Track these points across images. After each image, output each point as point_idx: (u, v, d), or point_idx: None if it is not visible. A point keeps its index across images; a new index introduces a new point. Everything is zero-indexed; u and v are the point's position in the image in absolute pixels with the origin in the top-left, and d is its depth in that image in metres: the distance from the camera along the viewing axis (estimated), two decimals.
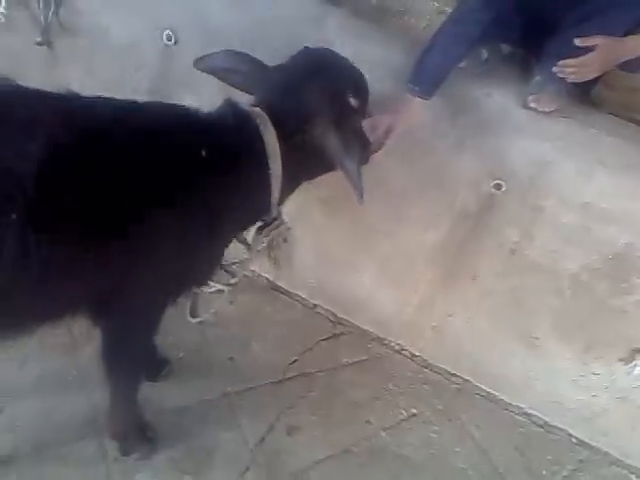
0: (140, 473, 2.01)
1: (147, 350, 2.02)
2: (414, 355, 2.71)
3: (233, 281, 2.59)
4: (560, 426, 2.56)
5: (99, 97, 1.50)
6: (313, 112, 1.66)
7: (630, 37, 1.78)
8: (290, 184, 1.80)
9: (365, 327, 2.74)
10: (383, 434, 2.38)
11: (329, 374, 2.53)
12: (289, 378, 2.46)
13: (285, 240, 2.03)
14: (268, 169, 1.66)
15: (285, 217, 1.98)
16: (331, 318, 2.77)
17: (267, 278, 2.82)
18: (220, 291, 2.55)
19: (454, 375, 2.67)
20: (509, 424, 2.56)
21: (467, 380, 2.66)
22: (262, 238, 1.94)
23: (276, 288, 2.81)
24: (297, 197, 2.41)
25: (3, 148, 1.25)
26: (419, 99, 1.98)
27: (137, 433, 2.03)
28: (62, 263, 1.39)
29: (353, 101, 1.75)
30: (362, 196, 1.69)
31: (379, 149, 2.02)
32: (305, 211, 2.55)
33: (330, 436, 2.31)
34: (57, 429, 2.05)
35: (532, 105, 1.99)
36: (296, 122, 1.67)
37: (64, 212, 1.34)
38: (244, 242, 2.02)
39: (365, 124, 1.86)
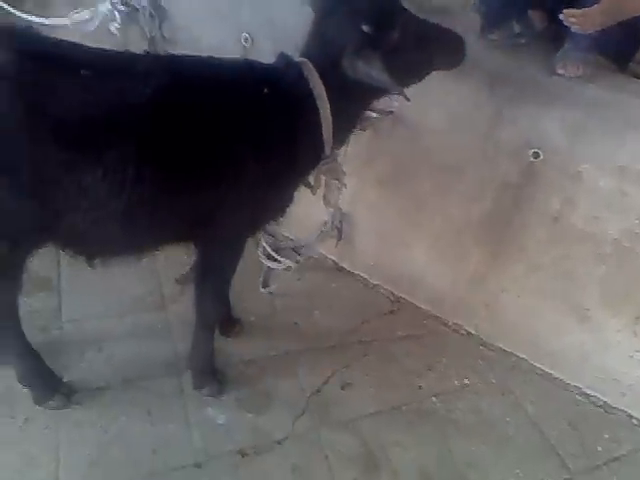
0: (210, 407, 2.32)
1: (230, 278, 2.26)
2: (470, 333, 2.82)
3: (300, 259, 2.92)
4: (620, 407, 2.54)
5: (189, 55, 1.91)
6: (337, 50, 1.81)
7: None
8: (341, 122, 1.98)
9: (421, 305, 2.91)
10: (433, 399, 2.52)
11: (384, 344, 2.72)
12: (347, 344, 2.69)
13: (339, 180, 2.19)
14: (318, 110, 1.90)
15: (340, 159, 2.18)
16: (390, 297, 2.96)
17: (333, 260, 3.09)
18: (289, 268, 2.89)
19: (509, 353, 2.75)
20: (565, 402, 2.59)
21: (522, 358, 2.72)
22: (318, 174, 2.14)
23: (340, 269, 3.07)
24: (353, 181, 2.73)
25: (127, 97, 1.66)
26: None
27: (209, 370, 2.36)
28: (168, 191, 1.77)
29: (367, 28, 1.80)
30: (406, 96, 1.82)
31: None
32: (361, 194, 2.82)
33: (381, 395, 2.49)
34: (145, 367, 2.42)
35: (560, 71, 2.14)
36: (330, 62, 1.85)
37: (169, 148, 1.72)
38: (308, 185, 2.22)
39: None
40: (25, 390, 2.20)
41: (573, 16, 1.97)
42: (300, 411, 2.36)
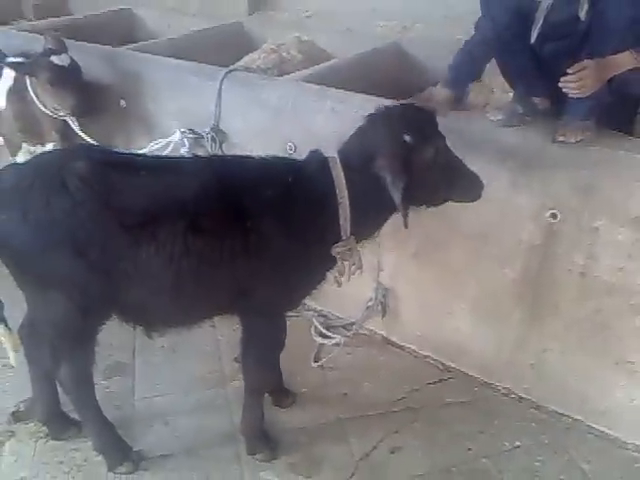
0: (264, 472, 2.46)
1: (273, 349, 2.50)
2: (521, 397, 2.82)
3: (350, 335, 3.12)
4: None
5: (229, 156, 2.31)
6: (372, 152, 2.12)
7: (612, 57, 2.18)
8: (365, 216, 2.23)
9: (470, 372, 2.96)
10: (484, 460, 2.52)
11: (434, 410, 2.78)
12: (396, 411, 2.77)
13: (355, 265, 2.36)
14: (337, 199, 2.18)
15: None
16: (439, 366, 3.04)
17: (381, 334, 3.25)
18: (338, 344, 3.09)
19: (562, 415, 2.71)
20: (624, 460, 2.51)
21: (576, 419, 2.68)
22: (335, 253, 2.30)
23: (389, 342, 3.20)
24: (392, 257, 2.97)
25: (178, 190, 2.08)
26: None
27: (260, 436, 2.53)
28: (210, 268, 2.10)
29: (408, 138, 2.07)
30: (406, 223, 2.11)
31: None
32: (401, 269, 3.04)
33: (431, 457, 2.53)
34: (205, 438, 2.63)
35: (560, 139, 2.36)
36: (359, 162, 2.16)
37: (211, 231, 2.08)
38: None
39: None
40: (100, 458, 2.45)
41: (571, 82, 2.23)
42: (350, 474, 2.44)
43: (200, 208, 2.08)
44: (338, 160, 2.22)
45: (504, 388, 2.88)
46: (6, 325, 2.26)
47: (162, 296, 2.13)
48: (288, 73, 3.86)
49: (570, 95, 2.29)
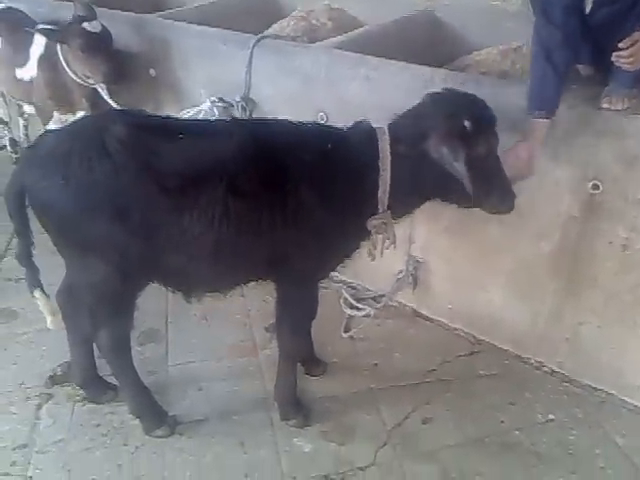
0: (297, 438, 2.49)
1: (306, 316, 2.50)
2: (554, 371, 2.80)
3: (379, 306, 3.11)
4: None
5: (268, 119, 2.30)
6: (428, 129, 2.08)
7: None
8: (402, 192, 2.20)
9: (502, 345, 2.94)
10: (517, 432, 2.52)
11: (465, 382, 2.77)
12: (427, 382, 2.77)
13: (389, 239, 2.35)
14: (379, 170, 2.16)
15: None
16: (470, 339, 3.03)
17: (411, 307, 3.23)
18: (368, 315, 3.09)
19: (597, 389, 2.69)
20: None
21: (610, 393, 2.65)
22: (370, 226, 2.28)
23: (419, 315, 3.19)
24: (423, 231, 2.94)
25: (216, 153, 2.07)
26: (544, 121, 2.31)
27: (294, 403, 2.56)
28: (248, 232, 2.09)
29: (468, 124, 2.04)
30: (472, 194, 2.04)
31: (529, 176, 2.35)
32: (433, 243, 3.00)
33: (462, 428, 2.53)
34: (238, 404, 2.66)
35: (605, 106, 2.28)
36: (412, 137, 2.12)
37: (249, 195, 2.06)
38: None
39: (505, 157, 2.23)
40: (136, 422, 2.50)
41: (623, 57, 2.14)
42: (382, 442, 2.46)
43: (239, 172, 2.06)
44: (387, 132, 2.18)
45: (536, 361, 2.85)
46: (42, 290, 2.29)
47: (201, 260, 2.14)
48: (317, 40, 3.79)
49: (623, 69, 2.20)
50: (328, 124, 2.33)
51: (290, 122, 2.26)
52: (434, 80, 2.79)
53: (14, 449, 2.40)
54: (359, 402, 2.65)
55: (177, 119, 2.51)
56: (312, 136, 2.24)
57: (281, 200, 2.10)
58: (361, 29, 3.83)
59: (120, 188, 1.98)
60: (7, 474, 2.30)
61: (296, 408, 2.55)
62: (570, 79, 2.52)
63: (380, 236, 2.30)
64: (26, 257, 2.23)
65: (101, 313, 2.26)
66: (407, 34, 3.84)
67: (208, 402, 2.66)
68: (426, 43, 3.88)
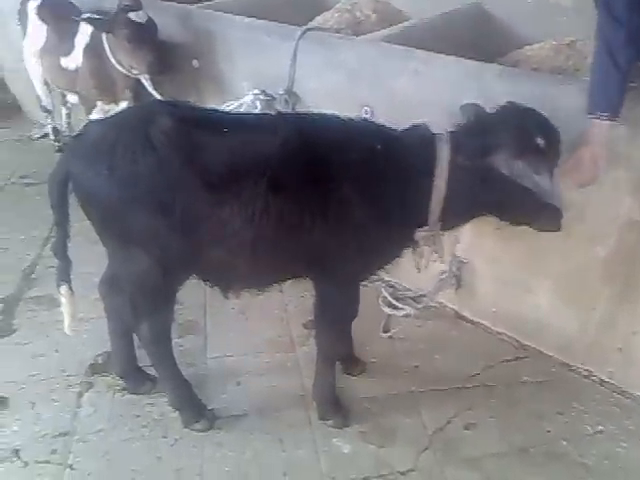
0: (336, 438, 2.45)
1: (346, 317, 2.45)
2: (603, 381, 2.70)
3: (419, 306, 3.04)
4: None
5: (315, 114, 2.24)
6: (498, 144, 2.00)
7: None
8: (456, 205, 2.13)
9: (548, 352, 2.84)
10: (564, 443, 2.43)
11: (510, 388, 2.69)
12: (470, 387, 2.70)
13: (436, 252, 2.32)
14: (433, 180, 2.09)
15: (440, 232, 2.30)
16: (514, 344, 2.93)
17: (453, 308, 3.15)
18: (407, 315, 3.02)
19: None
20: None
21: None
22: (418, 237, 2.26)
23: (461, 317, 3.11)
24: (469, 231, 2.85)
25: (260, 148, 2.02)
26: (608, 122, 2.18)
27: (332, 403, 2.52)
28: (288, 229, 2.05)
29: (541, 142, 1.99)
30: (560, 219, 2.03)
31: (594, 181, 2.25)
32: (478, 243, 2.91)
33: (507, 436, 2.46)
34: (277, 400, 2.63)
35: None
36: (476, 150, 2.03)
37: (291, 192, 2.02)
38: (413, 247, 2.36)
39: (568, 163, 2.17)
40: (175, 414, 2.49)
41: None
42: (423, 447, 2.40)
43: (282, 167, 2.02)
44: (449, 140, 2.10)
45: (585, 370, 2.75)
46: (69, 287, 2.23)
47: (240, 256, 2.10)
48: (362, 33, 3.72)
49: None
50: (379, 122, 2.24)
51: (338, 117, 2.20)
52: (486, 75, 2.70)
53: (55, 437, 2.42)
54: (399, 404, 2.60)
55: (222, 112, 2.49)
56: (361, 134, 2.17)
57: (323, 198, 2.05)
58: (408, 22, 3.75)
59: (163, 181, 1.96)
60: (47, 462, 2.32)
61: (335, 408, 2.51)
62: (631, 76, 2.41)
63: (428, 248, 2.25)
64: (61, 249, 2.21)
65: (142, 305, 2.24)
66: (455, 27, 3.74)
67: (246, 397, 2.64)
68: (474, 37, 3.77)
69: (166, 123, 1.99)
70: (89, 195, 2.06)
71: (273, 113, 2.24)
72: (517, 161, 1.98)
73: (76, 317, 2.32)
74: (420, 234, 2.20)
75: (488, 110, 2.17)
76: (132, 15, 3.40)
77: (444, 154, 2.07)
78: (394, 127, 2.24)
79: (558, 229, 2.15)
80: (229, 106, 3.47)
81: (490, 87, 2.65)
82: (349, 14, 4.08)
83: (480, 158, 2.02)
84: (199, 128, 2.03)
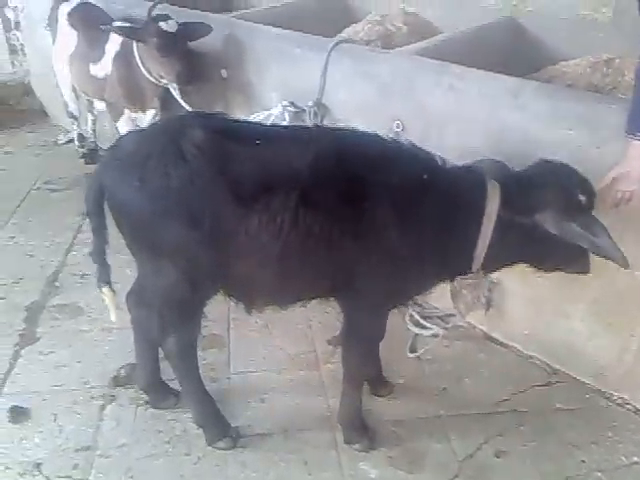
0: (362, 462, 2.38)
1: (374, 341, 2.39)
2: (638, 410, 2.60)
3: (448, 326, 2.98)
4: None
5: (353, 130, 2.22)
6: (546, 203, 1.99)
7: None
8: (496, 253, 2.09)
9: (582, 378, 2.75)
10: (598, 474, 2.34)
11: (542, 415, 2.60)
12: (500, 412, 2.62)
13: (477, 298, 2.30)
14: (480, 227, 2.04)
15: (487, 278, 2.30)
16: (546, 369, 2.84)
17: (482, 330, 3.07)
18: (436, 335, 2.95)
19: None
20: None
21: None
22: (458, 286, 2.25)
23: (491, 339, 3.03)
24: None
25: (293, 159, 1.98)
26: None
27: (358, 426, 2.45)
28: (317, 248, 1.99)
29: (582, 198, 2.01)
30: (627, 263, 1.97)
31: (630, 201, 2.21)
32: None
33: (540, 466, 2.37)
34: (301, 420, 2.57)
35: None
36: (525, 206, 2.01)
37: (322, 208, 1.97)
38: (452, 289, 2.32)
39: (612, 179, 2.15)
40: (199, 431, 2.44)
41: None
42: (453, 474, 2.33)
43: (317, 183, 1.96)
44: (500, 191, 2.05)
45: (620, 398, 2.66)
46: (110, 287, 2.24)
47: (268, 272, 2.06)
48: (392, 46, 3.68)
49: None
50: (426, 149, 2.17)
51: (378, 136, 2.15)
52: (523, 91, 2.63)
53: (77, 451, 2.38)
54: (427, 428, 2.52)
55: (255, 124, 2.45)
56: (404, 159, 2.10)
57: (357, 219, 1.99)
58: (441, 35, 3.70)
59: (194, 194, 1.92)
60: (69, 477, 2.28)
61: (361, 431, 2.44)
62: None
63: (469, 295, 2.21)
64: (100, 255, 2.20)
65: (169, 318, 2.20)
66: (488, 41, 3.68)
67: (270, 416, 2.58)
68: (507, 52, 3.72)
69: (198, 135, 1.96)
70: (121, 206, 2.04)
71: (309, 126, 2.19)
72: (565, 222, 1.97)
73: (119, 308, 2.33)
74: (464, 282, 2.20)
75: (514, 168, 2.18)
76: (162, 24, 3.39)
77: (493, 206, 2.03)
78: (442, 158, 2.16)
79: (588, 272, 2.18)
80: (257, 117, 3.45)
81: (528, 104, 2.60)
82: (380, 26, 4.04)
83: (528, 215, 2.02)
84: (231, 140, 2.00)
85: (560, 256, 2.10)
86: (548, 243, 2.02)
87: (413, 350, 2.94)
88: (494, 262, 2.16)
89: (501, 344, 2.99)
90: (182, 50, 3.46)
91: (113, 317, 2.31)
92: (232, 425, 2.47)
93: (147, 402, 2.60)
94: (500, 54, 3.57)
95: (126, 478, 2.28)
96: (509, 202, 2.04)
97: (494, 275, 2.88)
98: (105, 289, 2.24)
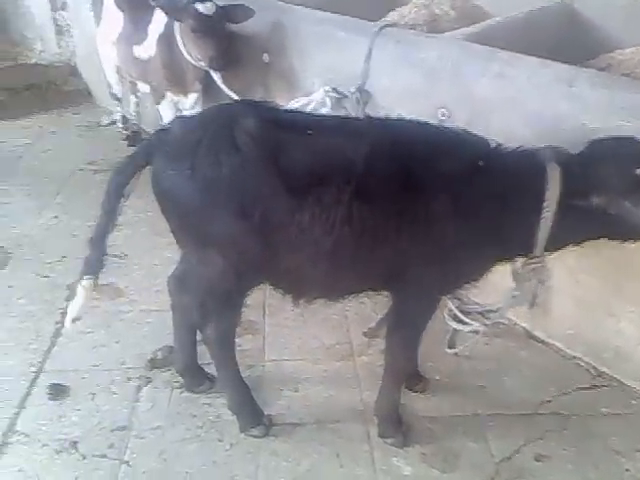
0: (395, 458, 2.34)
1: (420, 333, 2.31)
2: None
3: (488, 322, 2.87)
4: None
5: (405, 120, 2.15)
6: (602, 184, 1.91)
7: None
8: (558, 236, 2.03)
9: (629, 382, 2.63)
10: None
11: (585, 419, 2.50)
12: (541, 414, 2.53)
13: (541, 282, 2.23)
14: (541, 212, 1.96)
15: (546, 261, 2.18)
16: (591, 370, 2.73)
17: (524, 327, 2.97)
18: (475, 331, 2.86)
19: None
20: None
21: None
22: (521, 271, 2.17)
23: (533, 337, 2.92)
24: None
25: (345, 153, 1.93)
26: None
27: (394, 421, 2.41)
28: (370, 239, 1.95)
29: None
30: None
31: None
32: (559, 259, 2.69)
33: (582, 472, 2.28)
34: (334, 411, 2.54)
35: None
36: (585, 186, 1.93)
37: (375, 200, 1.92)
38: (514, 272, 2.25)
39: None
40: (232, 417, 2.44)
41: None
42: (489, 476, 2.26)
43: (369, 175, 1.91)
44: (559, 173, 1.96)
45: None
46: (95, 282, 2.09)
47: (318, 264, 2.02)
48: (440, 31, 3.56)
49: None
50: (480, 135, 2.09)
51: (433, 125, 2.10)
52: (577, 80, 2.51)
53: (112, 430, 2.42)
54: (464, 427, 2.46)
55: (308, 114, 2.40)
56: (460, 145, 2.04)
57: (413, 211, 1.94)
58: (491, 20, 3.55)
59: (245, 183, 1.89)
60: (104, 456, 2.32)
61: (396, 426, 2.40)
62: None
63: (533, 280, 2.15)
64: (101, 240, 2.11)
65: (211, 306, 2.19)
66: (540, 27, 3.52)
67: (304, 405, 2.56)
68: (560, 38, 3.55)
69: (251, 124, 1.92)
70: (168, 192, 2.02)
71: (361, 117, 2.14)
72: (624, 201, 1.89)
73: (81, 317, 2.18)
74: (528, 267, 2.12)
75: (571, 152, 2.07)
76: (200, 6, 3.33)
77: (555, 187, 1.95)
78: (497, 143, 2.08)
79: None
80: (297, 103, 3.39)
81: (581, 94, 2.47)
82: (426, 10, 3.92)
83: (587, 198, 1.94)
84: (284, 130, 1.96)
85: (628, 228, 1.98)
86: (611, 220, 1.93)
87: (451, 346, 2.86)
88: (557, 243, 2.09)
89: (543, 343, 2.89)
90: (218, 34, 3.40)
91: (67, 322, 2.16)
92: (265, 413, 2.46)
93: (182, 385, 2.61)
94: (553, 40, 3.41)
95: (159, 460, 2.30)
96: (569, 185, 1.95)
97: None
98: (86, 282, 2.08)
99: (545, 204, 1.95)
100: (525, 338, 2.94)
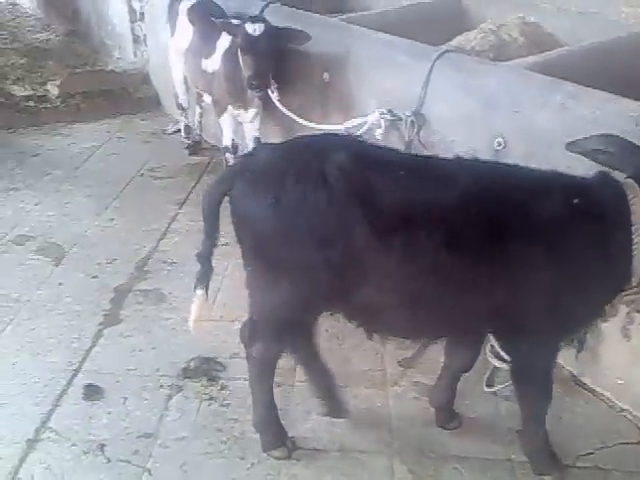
0: None
1: (546, 376, 2.23)
2: None
3: None
4: None
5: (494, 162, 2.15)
6: None
7: None
8: None
9: None
10: None
11: (629, 476, 2.33)
12: (580, 467, 2.37)
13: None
14: (630, 234, 1.87)
15: None
16: (639, 425, 2.54)
17: (571, 372, 2.81)
18: None
19: None
20: None
21: None
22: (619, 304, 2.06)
23: (579, 383, 2.76)
24: None
25: (438, 193, 1.91)
26: None
27: (550, 455, 2.33)
28: (460, 286, 1.91)
29: None
30: None
31: None
32: None
33: None
34: (360, 441, 2.48)
35: None
36: None
37: (467, 246, 1.88)
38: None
39: None
40: (255, 435, 2.42)
41: None
42: None
43: (462, 220, 1.87)
44: (638, 188, 1.87)
45: None
46: (206, 292, 2.21)
47: (399, 305, 2.00)
48: (506, 58, 3.47)
49: None
50: (566, 173, 2.05)
51: (524, 168, 2.06)
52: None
53: (139, 437, 2.45)
54: (493, 472, 2.34)
55: (399, 151, 2.42)
56: (554, 187, 1.97)
57: (509, 259, 1.89)
58: (559, 49, 3.45)
59: (331, 218, 1.89)
60: (129, 462, 2.35)
61: (554, 463, 2.32)
62: None
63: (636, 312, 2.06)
64: (206, 257, 2.17)
65: (268, 330, 2.20)
66: (611, 59, 3.36)
67: (329, 431, 2.52)
68: (633, 72, 3.37)
69: (343, 160, 1.92)
70: (248, 219, 2.04)
71: (451, 158, 2.12)
72: None
73: (202, 320, 2.30)
74: (628, 298, 2.01)
75: None
76: (247, 26, 3.43)
77: (638, 207, 1.86)
78: (575, 176, 2.03)
79: None
80: (352, 124, 3.38)
81: None
82: (494, 36, 3.83)
83: None
84: (375, 168, 1.95)
85: None
86: None
87: (490, 384, 2.75)
88: None
89: (590, 390, 2.73)
90: (259, 54, 3.45)
91: (190, 323, 2.28)
92: (289, 435, 2.44)
93: (211, 397, 2.62)
94: (624, 74, 3.24)
95: (181, 472, 2.31)
96: None
97: None
98: (199, 292, 2.21)
99: (634, 227, 1.86)
100: (571, 384, 2.77)
